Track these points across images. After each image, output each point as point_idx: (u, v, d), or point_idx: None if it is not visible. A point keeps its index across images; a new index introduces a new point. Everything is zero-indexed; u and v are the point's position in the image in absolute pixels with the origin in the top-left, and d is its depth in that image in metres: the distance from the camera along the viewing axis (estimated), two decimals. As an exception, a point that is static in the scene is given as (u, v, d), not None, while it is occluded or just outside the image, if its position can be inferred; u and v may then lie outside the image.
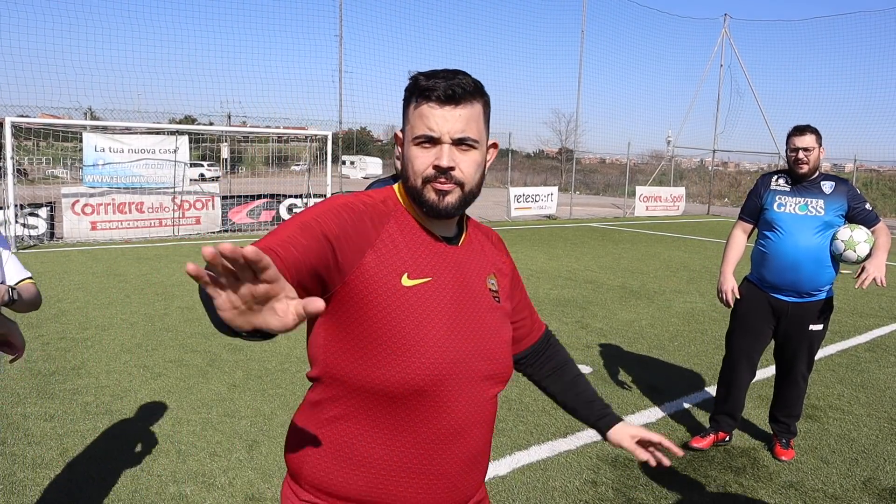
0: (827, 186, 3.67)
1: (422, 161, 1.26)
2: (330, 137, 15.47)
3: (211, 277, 0.80)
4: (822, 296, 3.72)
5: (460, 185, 1.27)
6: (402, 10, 28.68)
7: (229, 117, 18.86)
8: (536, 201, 20.15)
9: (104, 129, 13.73)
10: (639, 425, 4.28)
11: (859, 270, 3.42)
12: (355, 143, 50.49)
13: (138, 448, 3.74)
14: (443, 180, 1.25)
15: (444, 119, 1.24)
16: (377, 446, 1.27)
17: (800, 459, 3.86)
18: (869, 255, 3.47)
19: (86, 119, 15.68)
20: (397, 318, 1.23)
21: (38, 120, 13.70)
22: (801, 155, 3.65)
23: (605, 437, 1.60)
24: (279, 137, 17.82)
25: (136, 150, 12.98)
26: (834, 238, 3.59)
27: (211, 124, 19.59)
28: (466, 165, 1.27)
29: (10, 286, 2.08)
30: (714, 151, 28.07)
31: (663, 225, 20.00)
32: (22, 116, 12.90)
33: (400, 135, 1.35)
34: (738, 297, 3.95)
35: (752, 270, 4.06)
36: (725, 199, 33.36)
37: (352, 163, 44.70)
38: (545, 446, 3.93)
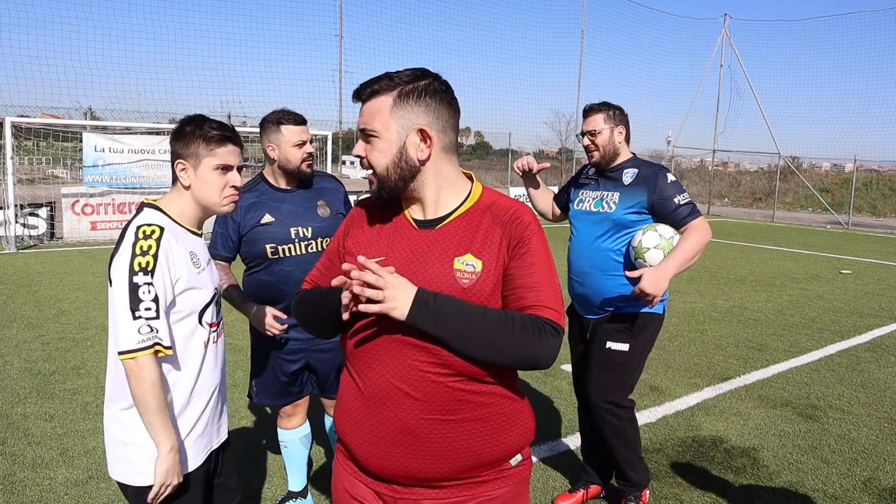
0: (628, 175, 2.96)
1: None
2: (330, 137, 15.47)
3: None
4: (627, 310, 2.96)
5: (371, 169, 1.51)
6: (402, 10, 28.70)
7: (229, 117, 18.85)
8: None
9: (104, 129, 13.72)
10: (638, 425, 4.23)
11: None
12: (355, 143, 50.42)
13: (138, 448, 3.74)
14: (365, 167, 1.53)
15: (359, 115, 1.53)
16: (345, 397, 1.55)
17: (800, 459, 3.86)
18: None
19: (86, 119, 15.70)
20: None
21: (38, 120, 13.70)
22: (586, 141, 2.99)
23: None
24: (279, 137, 17.78)
25: (135, 151, 12.98)
26: (629, 243, 2.89)
27: (211, 124, 19.53)
28: (369, 152, 1.50)
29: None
30: (714, 151, 28.07)
31: (663, 225, 19.98)
32: (22, 116, 12.89)
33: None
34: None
35: None
36: (725, 199, 33.36)
37: (352, 163, 44.71)
38: (545, 446, 3.93)
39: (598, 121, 2.94)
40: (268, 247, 2.69)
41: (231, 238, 2.74)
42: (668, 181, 2.88)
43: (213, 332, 1.91)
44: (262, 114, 2.85)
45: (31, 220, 12.16)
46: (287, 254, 2.71)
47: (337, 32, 18.69)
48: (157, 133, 13.77)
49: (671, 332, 6.78)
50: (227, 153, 1.83)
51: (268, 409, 4.38)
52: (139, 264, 1.68)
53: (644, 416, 4.44)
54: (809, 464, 3.81)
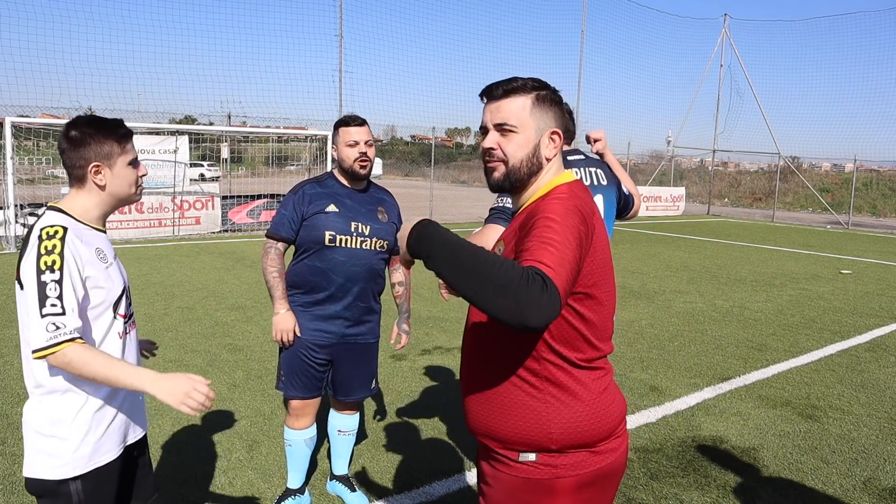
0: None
1: (481, 144, 1.68)
2: (330, 137, 15.46)
3: None
4: None
5: (503, 162, 1.61)
6: (402, 10, 28.71)
7: (229, 117, 18.85)
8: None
9: (104, 129, 13.70)
10: (638, 425, 4.24)
11: None
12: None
13: (138, 448, 3.74)
14: (487, 159, 1.64)
15: (488, 112, 1.64)
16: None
17: (800, 459, 3.86)
18: None
19: (86, 119, 15.65)
20: None
21: (38, 120, 13.69)
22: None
23: None
24: (279, 137, 17.83)
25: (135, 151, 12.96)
26: None
27: (211, 124, 19.58)
28: (505, 144, 1.61)
29: None
30: (714, 151, 28.06)
31: (663, 225, 20.00)
32: (22, 116, 12.89)
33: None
34: None
35: None
36: (725, 199, 33.35)
37: (352, 163, 44.55)
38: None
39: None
40: (327, 233, 2.85)
41: (295, 221, 2.90)
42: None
43: (127, 323, 1.98)
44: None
45: (31, 220, 12.15)
46: (343, 244, 2.87)
47: (337, 32, 18.67)
48: (157, 133, 13.77)
49: (671, 332, 6.78)
50: (133, 148, 1.95)
51: (268, 408, 4.38)
52: (45, 263, 1.72)
53: (644, 416, 4.44)
54: (809, 464, 3.80)
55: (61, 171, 17.49)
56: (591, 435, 1.55)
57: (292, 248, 2.99)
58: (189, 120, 21.04)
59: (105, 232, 1.97)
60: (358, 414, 3.25)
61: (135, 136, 2.09)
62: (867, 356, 6.10)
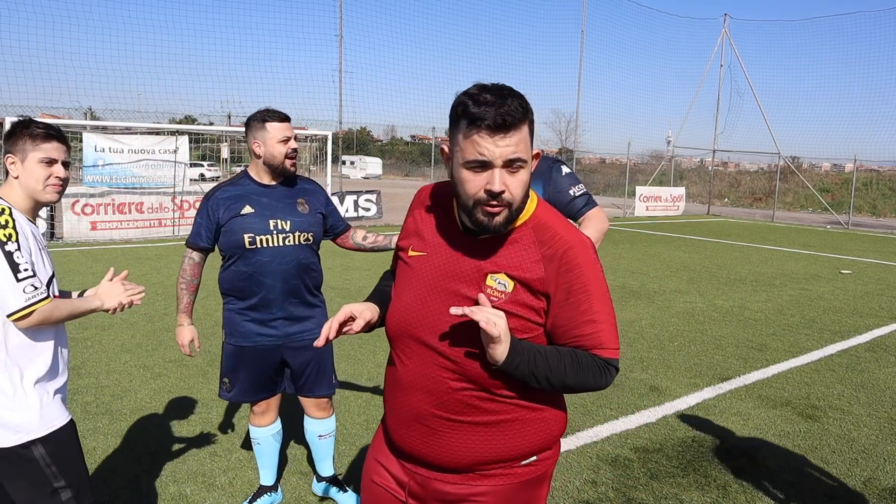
0: None
1: (473, 185, 1.38)
2: (330, 137, 15.48)
3: None
4: None
5: (509, 205, 1.39)
6: (402, 10, 28.74)
7: (229, 117, 18.88)
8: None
9: (104, 129, 13.72)
10: (638, 425, 4.24)
11: None
12: (355, 143, 50.44)
13: (138, 448, 3.74)
14: (494, 203, 1.37)
15: (496, 146, 1.34)
16: (389, 375, 1.65)
17: (800, 459, 3.86)
18: None
19: (86, 119, 15.69)
20: (397, 276, 1.64)
21: (38, 120, 13.68)
22: None
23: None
24: (279, 137, 17.80)
25: (135, 151, 12.97)
26: None
27: (211, 124, 19.60)
28: (515, 186, 1.38)
29: None
30: (714, 151, 28.06)
31: (663, 225, 20.00)
32: (22, 117, 12.89)
33: (446, 150, 1.45)
34: None
35: None
36: (725, 199, 33.35)
37: (352, 163, 44.66)
38: (545, 446, 3.93)
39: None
40: (246, 236, 2.78)
41: (210, 228, 2.84)
42: (563, 173, 2.86)
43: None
44: None
45: (31, 220, 12.15)
46: (265, 244, 2.79)
47: (337, 32, 18.68)
48: (157, 133, 13.77)
49: (671, 332, 6.78)
50: (52, 149, 2.06)
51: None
52: (4, 236, 1.89)
53: (644, 416, 4.44)
54: (809, 464, 3.80)
55: (61, 171, 17.51)
56: (566, 415, 1.68)
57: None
58: (189, 120, 21.06)
59: (36, 225, 2.10)
60: (334, 415, 3.19)
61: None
62: (867, 356, 6.10)
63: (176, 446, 3.78)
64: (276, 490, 3.22)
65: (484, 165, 1.35)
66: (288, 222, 2.82)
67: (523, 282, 1.45)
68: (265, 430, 3.08)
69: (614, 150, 39.03)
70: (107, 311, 2.12)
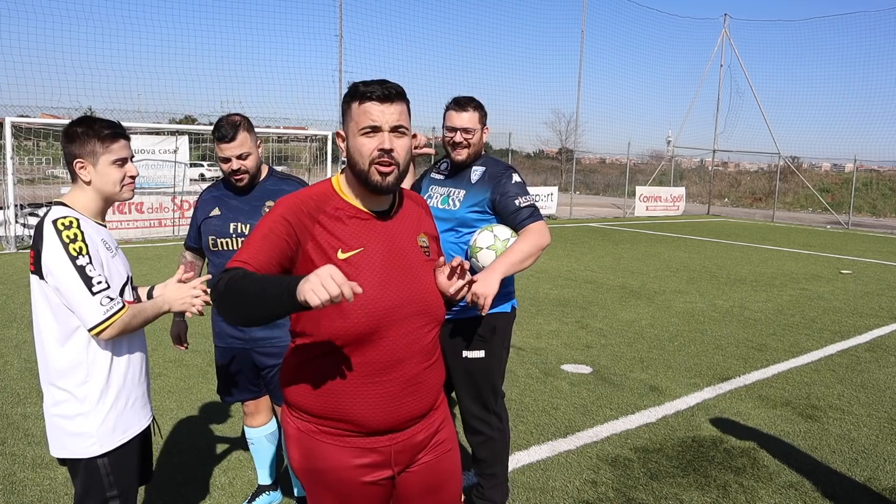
0: (476, 174, 2.86)
1: (368, 146, 1.64)
2: (330, 137, 15.47)
3: None
4: (470, 313, 2.78)
5: (397, 164, 1.65)
6: (402, 10, 28.72)
7: (229, 117, 18.78)
8: (536, 201, 20.13)
9: (104, 129, 13.71)
10: (638, 425, 4.25)
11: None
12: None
13: (138, 448, 3.74)
14: (386, 160, 1.63)
15: (383, 113, 1.63)
16: (335, 377, 1.67)
17: (800, 459, 3.86)
18: None
19: (86, 119, 15.65)
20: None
21: (38, 120, 13.69)
22: (458, 137, 2.81)
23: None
24: (279, 137, 17.82)
25: (135, 151, 12.97)
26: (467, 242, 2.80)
27: (211, 124, 19.56)
28: (400, 148, 1.66)
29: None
30: (714, 151, 28.06)
31: (663, 225, 20.01)
32: (22, 116, 12.89)
33: (342, 133, 1.72)
34: None
35: None
36: (725, 199, 33.35)
37: (352, 163, 44.51)
38: (545, 446, 3.93)
39: (475, 119, 2.82)
40: (210, 238, 2.81)
41: (194, 229, 2.90)
42: (513, 181, 2.81)
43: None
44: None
45: (31, 220, 12.14)
46: (224, 247, 2.79)
47: (337, 33, 18.68)
48: (157, 133, 13.78)
49: (671, 332, 6.78)
50: (121, 148, 2.04)
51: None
52: (75, 250, 1.88)
53: (644, 416, 4.44)
54: (809, 464, 3.81)
55: (61, 171, 17.51)
56: None
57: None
58: (189, 120, 21.05)
59: (105, 226, 2.09)
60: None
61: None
62: (867, 356, 6.10)
63: (176, 446, 3.78)
64: (275, 489, 3.23)
65: (375, 129, 1.63)
66: (248, 226, 2.77)
67: (430, 235, 1.87)
68: (258, 431, 3.10)
69: (614, 150, 39.06)
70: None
